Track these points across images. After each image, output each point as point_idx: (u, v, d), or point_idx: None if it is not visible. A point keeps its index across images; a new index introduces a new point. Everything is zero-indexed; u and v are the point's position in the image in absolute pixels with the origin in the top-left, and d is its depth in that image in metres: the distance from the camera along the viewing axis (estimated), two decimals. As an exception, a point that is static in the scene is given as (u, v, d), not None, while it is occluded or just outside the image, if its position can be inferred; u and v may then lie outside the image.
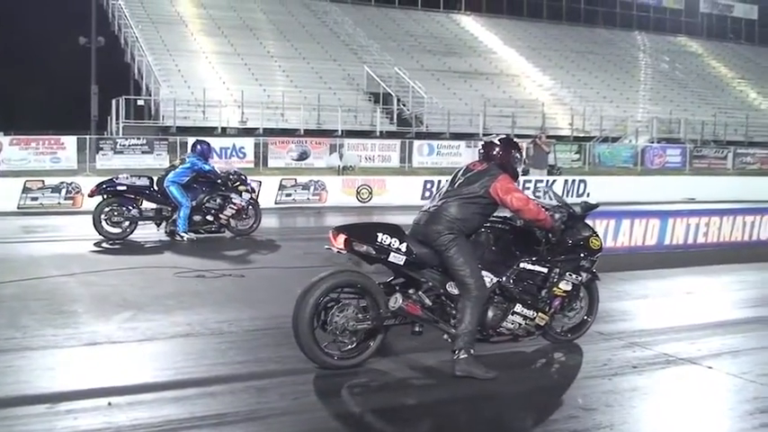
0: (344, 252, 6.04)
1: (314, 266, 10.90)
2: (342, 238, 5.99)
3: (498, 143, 6.52)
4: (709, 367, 6.41)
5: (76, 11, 34.44)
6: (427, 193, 24.19)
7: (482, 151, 6.56)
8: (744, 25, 61.20)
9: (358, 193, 23.42)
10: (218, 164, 15.17)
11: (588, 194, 23.94)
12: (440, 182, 24.20)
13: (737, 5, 60.84)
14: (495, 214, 6.53)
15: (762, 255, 13.13)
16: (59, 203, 19.86)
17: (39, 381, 5.75)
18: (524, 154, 6.89)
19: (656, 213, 14.04)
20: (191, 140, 23.92)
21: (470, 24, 48.96)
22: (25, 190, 19.67)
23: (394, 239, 6.02)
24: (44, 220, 17.84)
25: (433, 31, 45.97)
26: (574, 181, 25.69)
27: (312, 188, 23.00)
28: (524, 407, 5.71)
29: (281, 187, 22.39)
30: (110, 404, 5.21)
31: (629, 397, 5.70)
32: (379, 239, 5.99)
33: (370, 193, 23.54)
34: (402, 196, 23.56)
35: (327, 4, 45.24)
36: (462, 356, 5.88)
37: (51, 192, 19.90)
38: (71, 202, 19.96)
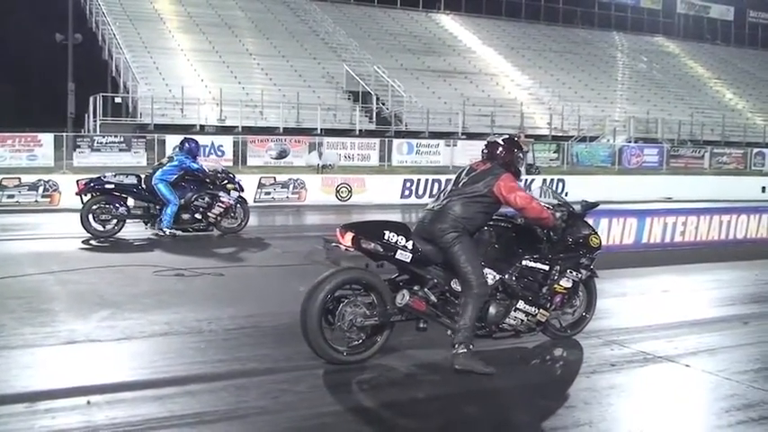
0: (352, 250, 6.10)
1: (292, 265, 10.97)
2: (350, 235, 6.05)
3: (501, 143, 6.61)
4: (687, 365, 6.47)
5: (53, 7, 34.20)
6: (407, 192, 24.28)
7: (485, 151, 6.64)
8: (720, 26, 61.74)
9: (337, 191, 23.43)
10: (205, 162, 15.14)
11: (567, 194, 24.06)
12: (419, 180, 24.33)
13: (714, 6, 61.37)
14: (497, 212, 6.61)
15: (737, 254, 13.27)
16: (36, 201, 19.75)
17: (17, 380, 5.71)
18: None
19: (633, 212, 14.14)
20: (169, 138, 23.99)
21: (449, 23, 49.06)
22: (1, 188, 19.56)
23: (400, 237, 6.10)
24: (21, 217, 17.72)
25: (412, 30, 46.03)
26: (552, 180, 25.84)
27: (291, 186, 22.98)
28: (507, 404, 5.75)
29: (260, 185, 22.36)
30: (89, 403, 5.19)
31: (608, 394, 5.74)
32: (386, 237, 6.06)
33: (350, 191, 23.55)
34: (381, 195, 23.63)
35: (307, 2, 45.18)
36: (461, 351, 5.96)
37: (28, 189, 19.80)
38: (48, 199, 19.86)
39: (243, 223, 14.78)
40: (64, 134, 25.00)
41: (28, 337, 6.88)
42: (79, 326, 7.34)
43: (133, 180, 13.89)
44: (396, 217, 17.14)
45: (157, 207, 13.80)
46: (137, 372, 6.00)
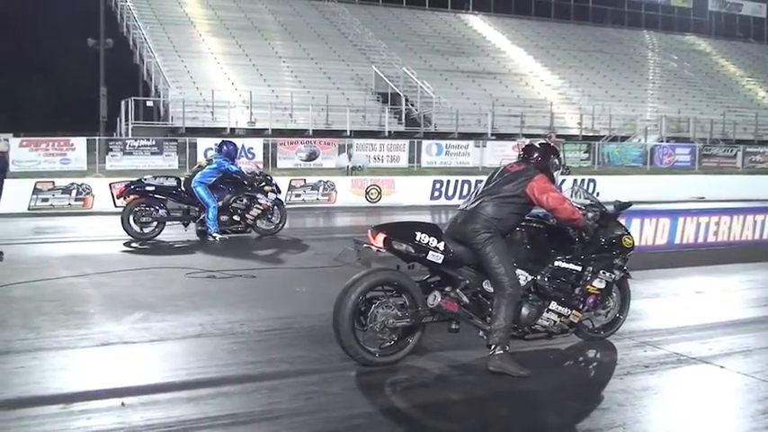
0: (384, 251, 6.11)
1: (324, 267, 10.98)
2: (381, 237, 6.06)
3: (538, 147, 6.65)
4: (721, 367, 6.41)
5: (85, 13, 34.53)
6: (436, 193, 24.28)
7: (522, 154, 6.67)
8: (752, 23, 61.04)
9: (367, 193, 23.47)
10: (243, 164, 15.29)
11: (598, 194, 23.92)
12: (448, 181, 24.28)
13: (746, 4, 60.69)
14: (528, 213, 6.60)
15: (772, 254, 13.11)
16: (70, 204, 19.98)
17: (52, 381, 5.78)
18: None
19: (666, 212, 14.02)
20: (200, 141, 24.17)
21: (478, 24, 48.95)
22: (36, 191, 19.79)
23: (432, 238, 6.10)
24: (55, 221, 17.93)
25: (440, 31, 45.98)
26: (583, 180, 25.68)
27: (321, 188, 23.06)
28: (540, 405, 5.71)
29: (291, 188, 22.43)
30: (123, 404, 5.23)
31: (641, 396, 5.69)
32: (417, 238, 6.07)
33: (380, 193, 23.58)
34: (411, 196, 23.64)
35: (335, 4, 45.27)
36: (498, 353, 5.96)
37: (62, 193, 20.04)
38: (81, 203, 20.07)
39: (280, 225, 14.89)
40: (96, 138, 25.30)
41: (62, 339, 6.97)
42: (113, 328, 7.42)
43: (173, 182, 14.10)
44: (425, 218, 17.14)
45: (196, 209, 13.95)
46: (171, 373, 6.05)
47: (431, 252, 6.08)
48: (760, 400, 5.61)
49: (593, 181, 26.19)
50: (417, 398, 5.65)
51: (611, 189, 23.15)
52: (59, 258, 11.94)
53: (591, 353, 6.90)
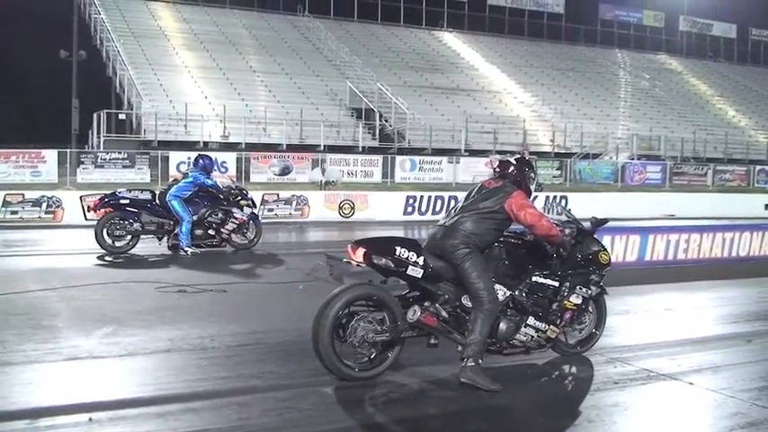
0: (363, 265, 6.11)
1: (295, 282, 10.94)
2: (361, 251, 6.06)
3: (513, 162, 6.72)
4: (690, 383, 6.44)
5: (58, 24, 34.44)
6: (410, 209, 24.27)
7: (498, 170, 6.73)
8: (723, 44, 62.00)
9: (340, 208, 23.41)
10: (219, 178, 15.21)
11: (569, 210, 24.01)
12: (422, 197, 24.32)
13: (716, 24, 61.63)
14: (507, 229, 6.64)
15: (741, 271, 13.23)
16: (40, 217, 19.76)
17: (18, 396, 5.69)
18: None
19: (636, 230, 14.12)
20: (172, 155, 24.06)
21: (452, 41, 49.24)
22: (5, 203, 19.55)
23: (412, 253, 6.11)
24: (24, 234, 17.72)
25: (415, 48, 46.20)
26: (555, 197, 25.80)
27: (294, 203, 22.97)
28: (514, 421, 5.72)
29: (264, 202, 22.31)
30: (91, 420, 5.17)
31: (611, 412, 5.71)
32: (397, 253, 6.07)
33: (353, 208, 23.53)
34: (384, 211, 23.61)
35: (310, 19, 45.37)
36: (470, 365, 5.97)
37: (32, 205, 19.81)
38: (51, 215, 19.86)
39: (255, 240, 14.82)
40: (68, 150, 25.16)
41: (30, 354, 6.87)
42: (81, 342, 7.33)
43: (147, 196, 14.00)
44: (399, 233, 17.15)
45: (171, 223, 13.86)
46: (139, 388, 5.98)
47: (410, 267, 6.09)
48: (728, 417, 5.65)
49: (565, 198, 26.32)
50: (394, 413, 5.63)
51: (582, 206, 23.27)
52: (28, 271, 11.80)
53: (564, 368, 6.93)
